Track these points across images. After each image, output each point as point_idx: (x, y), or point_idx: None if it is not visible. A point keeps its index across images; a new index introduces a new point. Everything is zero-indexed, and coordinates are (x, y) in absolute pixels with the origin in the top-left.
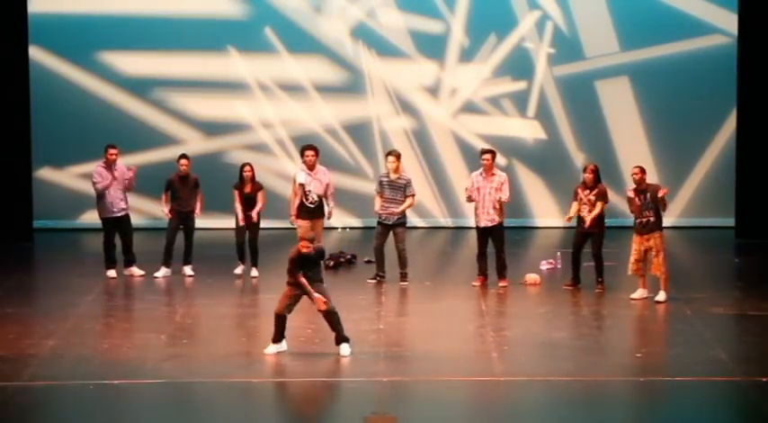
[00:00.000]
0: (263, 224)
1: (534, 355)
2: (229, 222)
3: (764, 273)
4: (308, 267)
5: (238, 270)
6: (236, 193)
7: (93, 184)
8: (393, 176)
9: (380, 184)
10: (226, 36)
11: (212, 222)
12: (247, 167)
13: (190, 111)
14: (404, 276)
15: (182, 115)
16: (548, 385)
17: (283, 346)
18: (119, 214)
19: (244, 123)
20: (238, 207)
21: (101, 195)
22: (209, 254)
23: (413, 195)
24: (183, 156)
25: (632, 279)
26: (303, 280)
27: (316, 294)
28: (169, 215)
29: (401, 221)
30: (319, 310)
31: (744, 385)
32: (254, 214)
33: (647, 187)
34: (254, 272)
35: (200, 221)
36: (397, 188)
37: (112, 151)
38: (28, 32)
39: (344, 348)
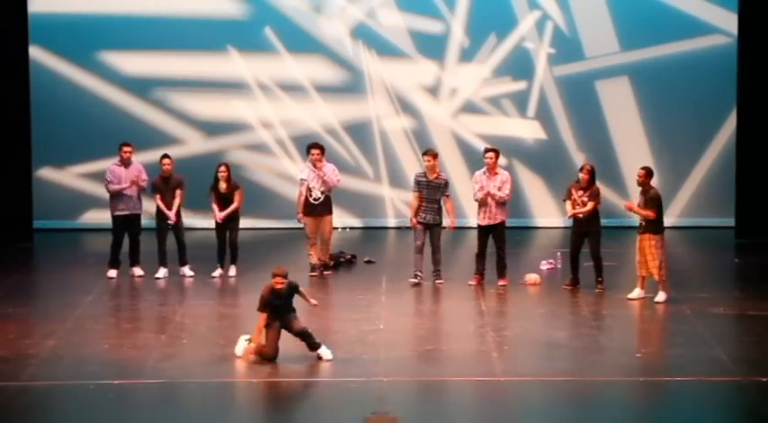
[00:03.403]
0: (260, 224)
1: (534, 355)
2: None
3: (764, 273)
4: (278, 302)
5: (216, 273)
6: (213, 193)
7: (107, 182)
8: (431, 176)
9: (419, 183)
10: (226, 36)
11: (211, 222)
12: (222, 168)
13: (190, 111)
14: (438, 275)
15: (182, 115)
16: (548, 385)
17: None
18: (129, 213)
19: (244, 123)
20: (215, 207)
21: (112, 194)
22: (208, 254)
23: (448, 196)
24: (165, 155)
25: (632, 279)
26: (262, 322)
27: (255, 342)
28: (174, 219)
29: (438, 221)
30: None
31: (744, 385)
32: (220, 215)
33: (647, 190)
34: (232, 270)
35: (200, 221)
36: (435, 188)
37: (126, 149)
38: (28, 32)
39: (324, 352)
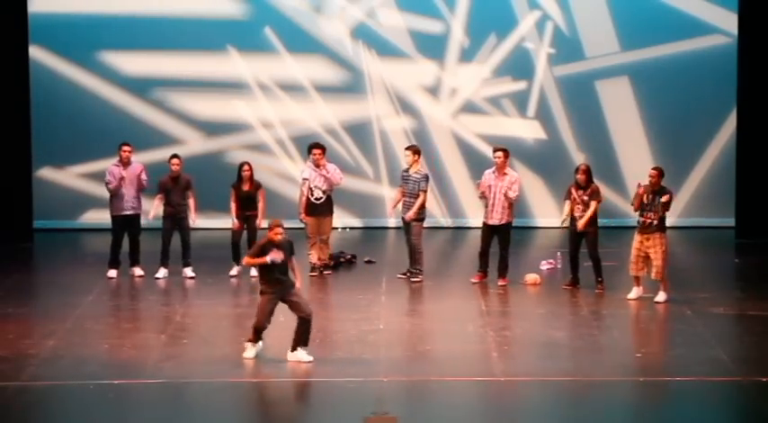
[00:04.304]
0: (263, 223)
1: (534, 355)
2: (228, 222)
3: (764, 273)
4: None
5: (234, 271)
6: (233, 191)
7: (106, 183)
8: (411, 171)
9: (402, 177)
10: (226, 36)
11: (212, 222)
12: (246, 166)
13: (190, 111)
14: (413, 273)
15: (182, 115)
16: (548, 385)
17: (260, 345)
18: (129, 213)
19: (244, 123)
20: (233, 206)
21: (113, 194)
22: (208, 254)
23: (423, 191)
24: (175, 155)
25: (632, 279)
26: (252, 260)
27: (269, 257)
28: (151, 218)
29: (417, 217)
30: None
31: (744, 385)
32: (259, 220)
33: (661, 189)
34: (254, 271)
35: (200, 221)
36: (413, 183)
37: (126, 149)
38: (28, 32)
39: (302, 354)
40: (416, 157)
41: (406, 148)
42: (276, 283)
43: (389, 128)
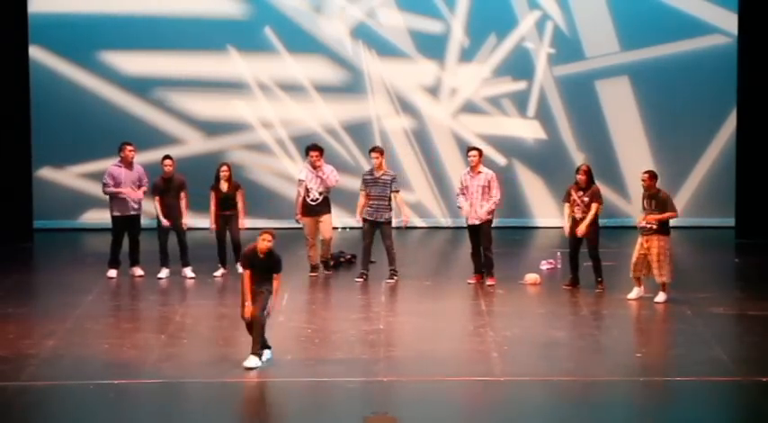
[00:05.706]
0: (260, 224)
1: (534, 355)
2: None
3: (764, 273)
4: (259, 268)
5: (218, 273)
6: (213, 193)
7: (103, 185)
8: (377, 173)
9: (365, 181)
10: (226, 36)
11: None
12: (224, 167)
13: (190, 111)
14: (392, 273)
15: (182, 115)
16: (548, 385)
17: (267, 353)
18: (131, 214)
19: (244, 123)
20: (212, 209)
21: (114, 194)
22: (207, 254)
23: (396, 191)
24: (167, 156)
25: (632, 279)
26: (246, 280)
27: (247, 303)
28: (167, 223)
29: (387, 219)
30: (243, 317)
31: (744, 385)
32: (241, 220)
33: (656, 193)
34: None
35: (200, 221)
36: (383, 185)
37: (129, 148)
38: (28, 32)
39: (248, 359)
40: (383, 158)
41: (374, 150)
42: (255, 278)
43: (389, 128)
